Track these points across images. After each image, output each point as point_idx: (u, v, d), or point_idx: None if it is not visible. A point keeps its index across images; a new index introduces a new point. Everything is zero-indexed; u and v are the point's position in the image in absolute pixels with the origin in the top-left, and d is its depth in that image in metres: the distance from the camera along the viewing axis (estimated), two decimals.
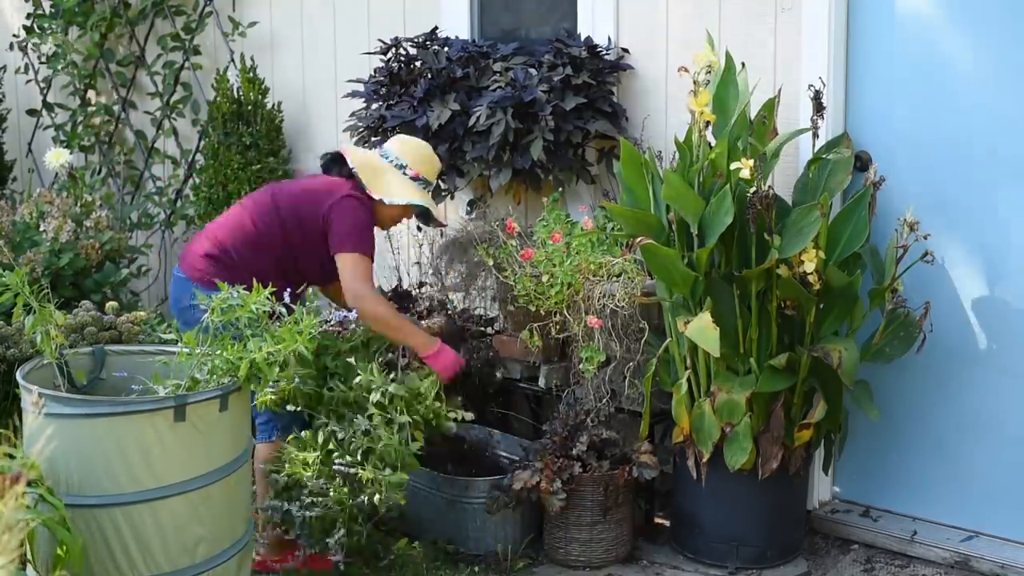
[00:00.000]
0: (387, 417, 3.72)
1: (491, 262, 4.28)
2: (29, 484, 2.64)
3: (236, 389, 3.36)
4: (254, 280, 3.56)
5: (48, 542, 3.08)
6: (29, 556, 3.02)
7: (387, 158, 4.08)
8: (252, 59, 5.63)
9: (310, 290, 3.97)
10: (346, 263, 3.90)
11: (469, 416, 3.97)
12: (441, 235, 4.90)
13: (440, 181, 4.79)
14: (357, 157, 4.07)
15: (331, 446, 3.72)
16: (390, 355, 3.91)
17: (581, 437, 4.03)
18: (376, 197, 3.99)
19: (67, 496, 3.11)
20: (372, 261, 3.99)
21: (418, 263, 5.03)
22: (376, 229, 4.11)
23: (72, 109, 6.58)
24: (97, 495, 3.19)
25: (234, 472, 3.41)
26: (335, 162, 4.13)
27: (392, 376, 3.79)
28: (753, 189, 3.72)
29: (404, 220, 4.26)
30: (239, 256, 3.96)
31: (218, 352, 3.39)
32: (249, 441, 3.55)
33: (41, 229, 5.39)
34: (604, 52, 4.56)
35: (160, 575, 3.25)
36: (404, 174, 4.06)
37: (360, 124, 4.86)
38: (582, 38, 4.61)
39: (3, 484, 2.06)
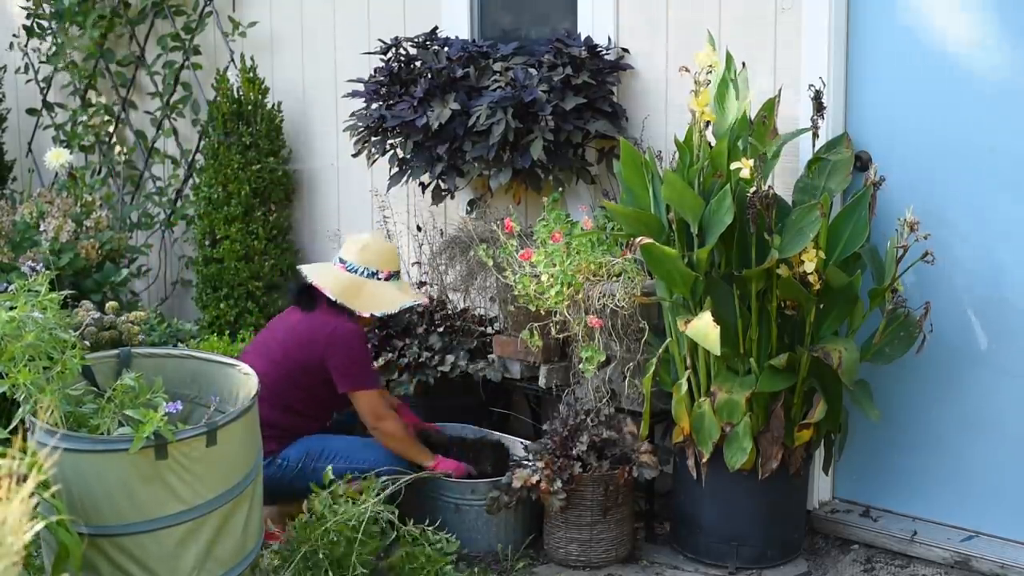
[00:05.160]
0: None
1: (491, 262, 4.29)
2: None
3: (226, 423, 3.28)
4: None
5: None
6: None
7: (355, 271, 4.20)
8: (252, 59, 5.64)
9: None
10: (361, 404, 4.14)
11: None
12: (441, 235, 4.91)
13: (440, 181, 4.80)
14: (331, 285, 4.15)
15: None
16: None
17: (581, 437, 4.04)
18: (367, 314, 4.17)
19: None
20: (379, 385, 4.23)
21: (418, 263, 5.03)
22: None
23: (72, 109, 6.58)
24: (85, 525, 3.16)
25: (231, 501, 3.32)
26: (303, 292, 4.24)
27: None
28: (753, 189, 3.72)
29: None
30: (268, 423, 3.96)
31: None
32: (252, 468, 3.45)
33: (41, 229, 5.39)
34: (604, 52, 4.56)
35: None
36: (379, 279, 4.20)
37: (360, 124, 4.85)
38: (582, 38, 4.61)
39: (9, 485, 2.06)
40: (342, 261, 4.24)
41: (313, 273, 4.23)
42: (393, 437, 4.14)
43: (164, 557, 3.22)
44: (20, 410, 3.28)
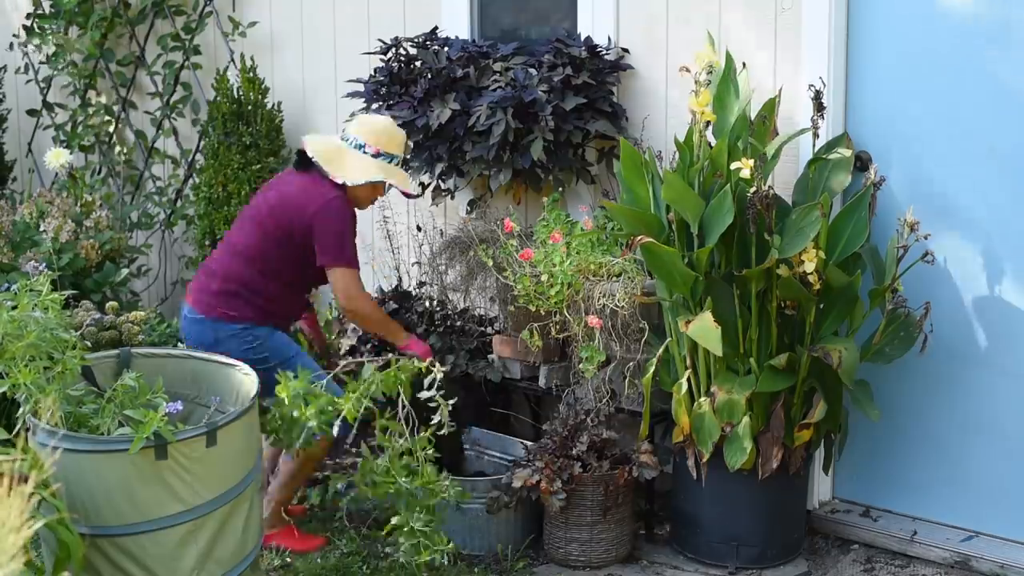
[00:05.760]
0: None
1: (491, 262, 4.29)
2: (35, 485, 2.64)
3: (226, 424, 3.28)
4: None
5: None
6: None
7: (346, 140, 4.13)
8: (252, 59, 5.63)
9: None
10: (336, 280, 4.08)
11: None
12: (441, 235, 4.91)
13: (440, 181, 4.80)
14: (316, 146, 4.12)
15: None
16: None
17: (581, 437, 4.04)
18: (339, 181, 4.06)
19: None
20: (357, 266, 4.12)
21: (418, 263, 5.03)
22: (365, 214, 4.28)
23: (72, 109, 6.58)
24: (85, 526, 3.16)
25: (231, 501, 3.32)
26: (304, 159, 4.17)
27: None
28: (753, 189, 3.72)
29: (390, 205, 4.24)
30: (249, 286, 4.06)
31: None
32: (252, 469, 3.45)
33: (41, 229, 5.39)
34: (604, 52, 4.56)
35: None
36: (365, 153, 4.10)
37: None
38: (582, 38, 4.61)
39: (9, 484, 2.06)
40: (342, 133, 4.21)
41: (311, 140, 4.18)
42: (365, 317, 4.13)
43: (164, 557, 3.22)
44: (21, 410, 3.28)
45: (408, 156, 4.24)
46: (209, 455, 3.25)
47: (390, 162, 4.14)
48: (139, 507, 3.19)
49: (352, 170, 4.08)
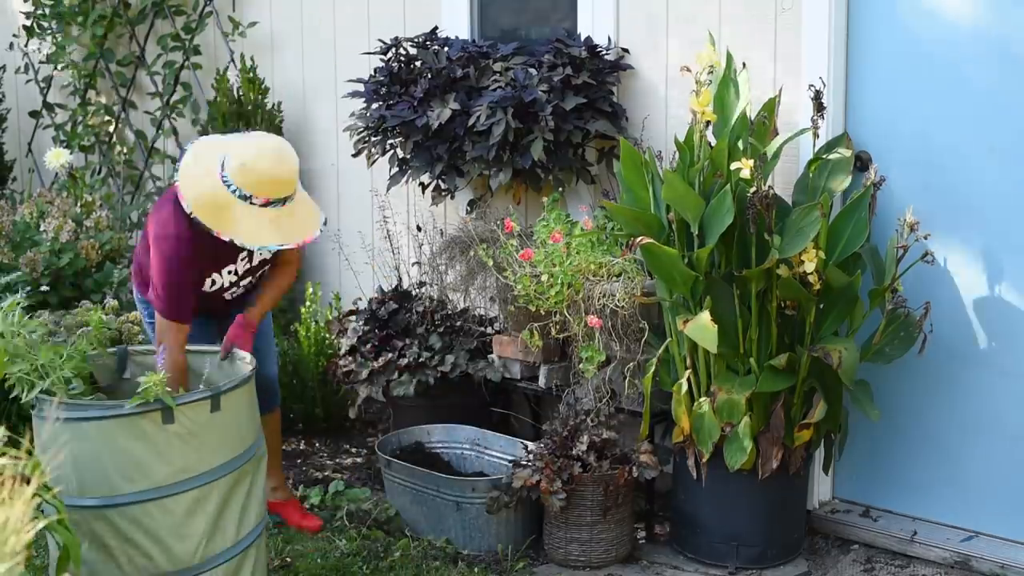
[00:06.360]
0: None
1: (491, 262, 4.29)
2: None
3: (230, 389, 3.36)
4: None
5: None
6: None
7: (230, 186, 3.49)
8: (252, 59, 5.64)
9: None
10: (158, 322, 3.67)
11: None
12: (441, 235, 4.91)
13: (440, 181, 4.80)
14: (194, 193, 3.51)
15: None
16: None
17: (581, 437, 4.04)
18: (227, 239, 3.49)
19: (67, 499, 3.14)
20: (175, 318, 3.63)
21: (418, 263, 5.03)
22: None
23: (72, 109, 6.58)
24: (94, 497, 3.22)
25: (236, 470, 3.38)
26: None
27: None
28: (753, 189, 3.72)
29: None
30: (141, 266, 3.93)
31: None
32: (256, 441, 3.52)
33: (41, 229, 5.40)
34: (604, 52, 4.56)
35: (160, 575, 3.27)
36: (252, 203, 3.49)
37: (360, 124, 4.86)
38: (582, 38, 4.61)
39: (12, 485, 2.07)
40: (223, 167, 3.53)
41: (187, 181, 3.54)
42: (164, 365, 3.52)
43: (172, 526, 3.27)
44: (35, 389, 3.29)
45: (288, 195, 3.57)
46: (214, 420, 3.31)
47: (283, 205, 3.53)
48: (147, 474, 3.23)
49: (244, 229, 3.48)
